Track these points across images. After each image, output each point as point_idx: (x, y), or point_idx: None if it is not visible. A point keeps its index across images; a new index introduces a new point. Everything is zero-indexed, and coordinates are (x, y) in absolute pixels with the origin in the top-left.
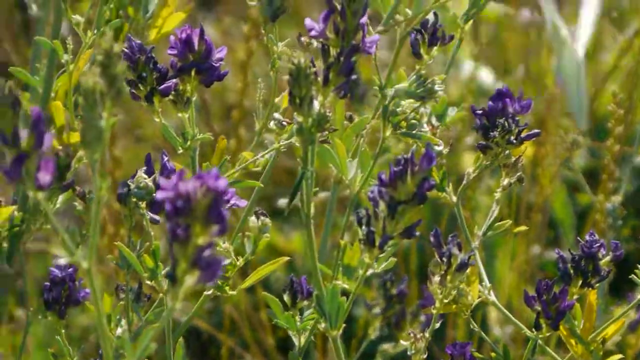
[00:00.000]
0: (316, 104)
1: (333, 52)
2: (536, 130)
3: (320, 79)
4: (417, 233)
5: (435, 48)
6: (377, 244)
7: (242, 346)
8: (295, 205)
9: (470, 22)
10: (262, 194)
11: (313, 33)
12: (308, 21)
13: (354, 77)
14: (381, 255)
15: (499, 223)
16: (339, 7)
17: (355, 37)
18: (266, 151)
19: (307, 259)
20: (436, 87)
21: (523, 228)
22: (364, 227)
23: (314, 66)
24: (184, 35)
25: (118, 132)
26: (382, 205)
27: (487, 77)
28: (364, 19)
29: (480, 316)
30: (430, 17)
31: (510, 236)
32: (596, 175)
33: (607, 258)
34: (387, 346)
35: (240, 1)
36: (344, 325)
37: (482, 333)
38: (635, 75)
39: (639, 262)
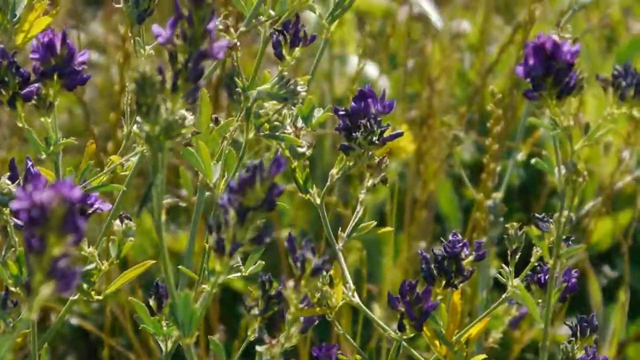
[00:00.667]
0: (164, 111)
1: (181, 58)
2: (399, 131)
3: (168, 85)
4: (268, 239)
5: (297, 49)
6: (227, 251)
7: (126, 347)
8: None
9: (336, 22)
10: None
11: (160, 40)
12: (155, 27)
13: (202, 82)
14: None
15: (363, 224)
16: (186, 13)
17: (204, 43)
18: (130, 154)
19: (162, 264)
20: (299, 89)
21: (388, 229)
22: (214, 235)
23: (161, 73)
24: (46, 39)
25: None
26: (231, 212)
27: (373, 71)
28: (212, 25)
29: None
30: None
31: (393, 233)
32: (482, 170)
33: (470, 258)
34: (260, 348)
35: None
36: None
37: (346, 335)
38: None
39: (526, 256)
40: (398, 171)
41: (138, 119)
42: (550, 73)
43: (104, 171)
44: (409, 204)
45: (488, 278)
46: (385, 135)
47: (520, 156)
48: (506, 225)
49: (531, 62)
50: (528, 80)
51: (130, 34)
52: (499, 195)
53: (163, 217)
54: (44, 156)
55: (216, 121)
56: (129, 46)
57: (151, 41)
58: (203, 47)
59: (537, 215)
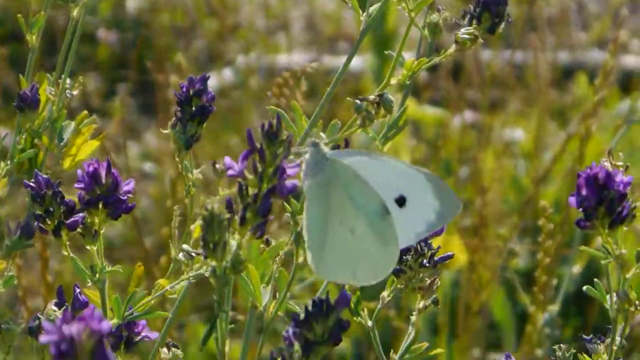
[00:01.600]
0: (233, 244)
1: (251, 191)
2: (449, 253)
3: (237, 218)
4: None
5: None
6: None
7: None
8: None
9: (389, 143)
10: (200, 303)
11: (231, 172)
12: (227, 160)
13: (270, 217)
14: None
15: (416, 346)
16: (258, 146)
17: (274, 179)
18: (177, 281)
19: None
20: None
21: (440, 351)
22: None
23: (231, 208)
24: (91, 169)
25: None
26: (296, 346)
27: None
28: (285, 162)
29: None
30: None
31: (447, 342)
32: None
33: None
34: None
35: None
36: None
37: None
38: (572, 177)
39: None
40: (451, 280)
41: (184, 246)
42: (602, 203)
43: (153, 296)
44: (462, 312)
45: None
46: (436, 257)
47: (576, 269)
48: (554, 347)
49: (584, 192)
50: (580, 210)
51: (177, 159)
52: (554, 308)
53: (227, 348)
54: (89, 284)
55: (267, 242)
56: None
57: (199, 164)
58: (274, 183)
59: (585, 337)
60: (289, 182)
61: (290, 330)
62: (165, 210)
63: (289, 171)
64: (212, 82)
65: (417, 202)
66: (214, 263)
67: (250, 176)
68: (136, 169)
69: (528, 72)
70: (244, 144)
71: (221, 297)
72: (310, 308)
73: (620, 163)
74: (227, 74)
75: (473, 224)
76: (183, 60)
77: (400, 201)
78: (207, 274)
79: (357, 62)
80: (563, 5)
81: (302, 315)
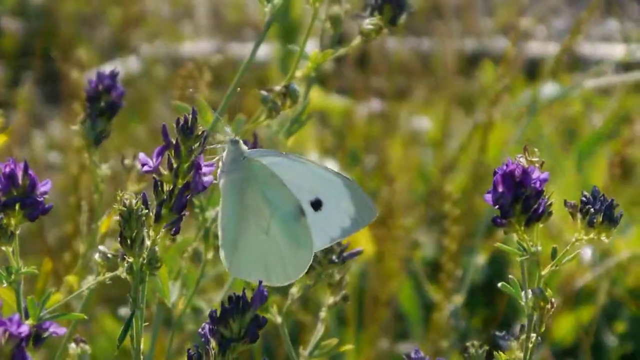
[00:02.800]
0: (147, 242)
1: (166, 187)
2: (358, 249)
3: (152, 214)
4: None
5: None
6: None
7: None
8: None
9: (292, 137)
10: (106, 295)
11: (146, 168)
12: (142, 156)
13: (185, 213)
14: None
15: (325, 342)
16: (173, 142)
17: (189, 175)
18: (89, 284)
19: None
20: None
21: (349, 347)
22: None
23: (146, 204)
24: (7, 170)
25: None
26: (213, 343)
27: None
28: (199, 157)
29: None
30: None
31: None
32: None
33: None
34: None
35: None
36: None
37: None
38: (476, 167)
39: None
40: (359, 271)
41: (100, 247)
42: (518, 200)
43: (68, 297)
44: (370, 303)
45: None
46: (345, 253)
47: (480, 260)
48: (466, 345)
49: (500, 189)
50: (496, 207)
51: (86, 155)
52: (459, 299)
53: (142, 346)
54: (4, 285)
55: (173, 239)
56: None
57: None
58: (189, 179)
59: (497, 333)
60: (204, 179)
61: (207, 327)
62: (70, 202)
63: (205, 169)
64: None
65: (333, 206)
66: (131, 259)
67: (165, 172)
68: (41, 159)
69: (434, 59)
70: (150, 135)
71: (136, 295)
72: (226, 305)
73: (536, 159)
74: (133, 63)
75: (380, 215)
76: (84, 53)
77: (316, 205)
78: (123, 273)
79: (263, 51)
80: None
81: (218, 312)
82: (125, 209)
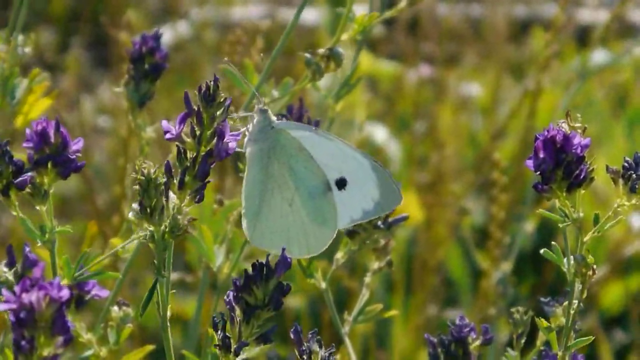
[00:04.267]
0: (172, 206)
1: (190, 155)
2: (404, 215)
3: (176, 181)
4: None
5: None
6: (232, 349)
7: None
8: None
9: (341, 101)
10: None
11: (168, 136)
12: (164, 123)
13: (209, 180)
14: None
15: (370, 307)
16: (196, 109)
17: (212, 142)
18: (128, 241)
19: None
20: None
21: (394, 313)
22: (219, 332)
23: (170, 171)
24: (39, 128)
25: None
26: (237, 310)
27: (382, 135)
28: (224, 124)
29: None
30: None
31: (403, 298)
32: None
33: (477, 342)
34: None
35: None
36: None
37: None
38: (526, 133)
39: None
40: (407, 237)
41: (134, 205)
42: (560, 166)
43: (104, 256)
44: (418, 269)
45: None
46: (390, 219)
47: (529, 227)
48: (511, 310)
49: (541, 155)
50: (538, 173)
51: (131, 117)
52: (507, 266)
53: (168, 314)
54: (39, 244)
55: (220, 203)
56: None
57: (154, 119)
58: (212, 147)
59: (543, 299)
60: (227, 145)
61: (231, 295)
62: (119, 165)
63: (230, 137)
64: (166, 37)
65: (358, 187)
66: (151, 228)
67: (188, 139)
68: (90, 123)
69: (484, 26)
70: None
71: (160, 262)
72: (250, 272)
73: (578, 124)
74: (182, 27)
75: (430, 181)
76: (134, 17)
77: (341, 183)
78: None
79: (312, 16)
80: None
81: (242, 279)
82: (143, 177)
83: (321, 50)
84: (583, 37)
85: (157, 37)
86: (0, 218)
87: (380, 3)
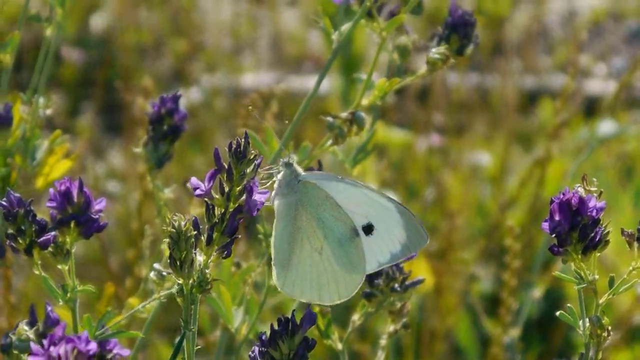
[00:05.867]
0: (199, 262)
1: (218, 211)
2: (420, 277)
3: (203, 237)
4: None
5: None
6: None
7: None
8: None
9: (358, 165)
10: (164, 324)
11: (198, 192)
12: (193, 180)
13: (237, 236)
14: None
15: None
16: (226, 166)
17: (241, 198)
18: (149, 300)
19: None
20: None
21: None
22: None
23: (198, 228)
24: (62, 188)
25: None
26: None
27: None
28: (253, 181)
29: None
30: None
31: None
32: (501, 302)
33: None
34: None
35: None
36: None
37: None
38: (535, 201)
39: None
40: (417, 303)
41: (155, 265)
42: (575, 229)
43: (123, 317)
44: (427, 336)
45: None
46: (407, 282)
47: (537, 293)
48: None
49: (557, 218)
50: (553, 235)
51: (149, 177)
52: (515, 332)
53: None
54: (61, 303)
55: (237, 265)
56: (148, 183)
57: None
58: (241, 202)
59: None
60: (256, 202)
61: (257, 350)
62: (130, 231)
63: (258, 196)
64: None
65: (385, 231)
66: (180, 281)
67: (217, 196)
68: (100, 188)
69: (494, 95)
70: (209, 165)
71: (187, 316)
72: (275, 327)
73: (594, 188)
74: (193, 93)
75: (439, 248)
76: (149, 81)
77: (368, 229)
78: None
79: (322, 84)
80: (528, 30)
81: (267, 334)
82: (174, 230)
83: (344, 114)
84: (591, 108)
85: (175, 99)
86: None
87: (395, 70)
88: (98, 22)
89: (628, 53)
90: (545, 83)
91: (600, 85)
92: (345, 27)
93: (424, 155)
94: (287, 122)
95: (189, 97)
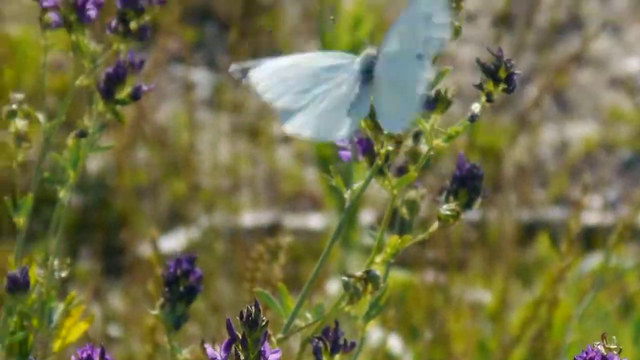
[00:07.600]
0: None
1: None
2: None
3: None
4: None
5: (337, 356)
6: None
7: None
8: None
9: (371, 322)
10: None
11: None
12: (210, 350)
13: None
14: None
15: None
16: (239, 335)
17: None
18: None
19: None
20: None
21: None
22: None
23: None
24: (84, 356)
25: None
26: None
27: (396, 344)
28: (265, 346)
29: None
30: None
31: None
32: None
33: None
34: None
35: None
36: None
37: None
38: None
39: None
40: None
41: None
42: None
43: None
44: None
45: None
46: None
47: None
48: None
49: None
50: None
51: (166, 340)
52: None
53: None
54: None
55: None
56: (158, 337)
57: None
58: None
59: None
60: None
61: None
62: None
63: (272, 356)
64: (177, 244)
65: None
66: None
67: None
68: (99, 331)
69: (490, 230)
70: (211, 310)
71: None
72: None
73: (614, 346)
74: (191, 234)
75: None
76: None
77: None
78: None
79: (319, 222)
80: (522, 164)
81: None
82: None
83: (358, 273)
84: (588, 239)
85: (191, 260)
86: None
87: (406, 225)
88: (94, 164)
89: (620, 184)
90: (540, 216)
91: (597, 217)
92: (357, 185)
93: (424, 294)
94: None
95: (188, 237)
